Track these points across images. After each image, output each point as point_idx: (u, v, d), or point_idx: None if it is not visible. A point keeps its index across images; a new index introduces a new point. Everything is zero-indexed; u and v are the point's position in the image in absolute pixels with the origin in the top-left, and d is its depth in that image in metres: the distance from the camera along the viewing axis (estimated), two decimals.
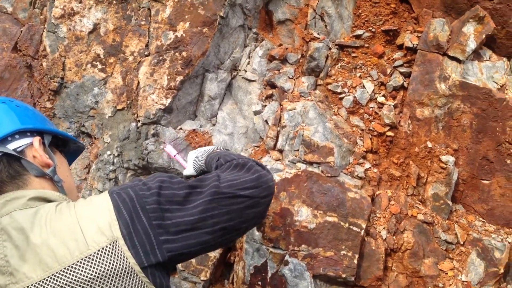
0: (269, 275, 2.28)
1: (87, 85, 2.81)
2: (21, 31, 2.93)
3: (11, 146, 1.29)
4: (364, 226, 2.27)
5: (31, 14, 2.98)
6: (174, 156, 2.45)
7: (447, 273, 2.28)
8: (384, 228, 2.35)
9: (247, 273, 2.31)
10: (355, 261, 2.22)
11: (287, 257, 2.28)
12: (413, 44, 2.62)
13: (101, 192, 2.62)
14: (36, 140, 1.35)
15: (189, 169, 2.10)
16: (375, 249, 2.29)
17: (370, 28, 2.80)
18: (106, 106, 2.79)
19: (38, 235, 1.10)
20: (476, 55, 2.57)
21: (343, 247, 2.25)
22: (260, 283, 2.30)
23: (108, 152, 2.72)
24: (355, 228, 2.27)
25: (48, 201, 1.24)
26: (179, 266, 2.40)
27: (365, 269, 2.28)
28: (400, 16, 2.80)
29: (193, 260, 2.40)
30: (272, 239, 2.30)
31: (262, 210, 1.46)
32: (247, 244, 2.33)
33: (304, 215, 2.30)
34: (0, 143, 1.27)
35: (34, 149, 1.33)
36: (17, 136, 1.32)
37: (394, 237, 2.34)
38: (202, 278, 2.39)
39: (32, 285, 1.07)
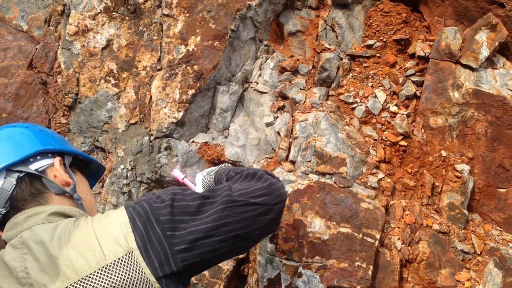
0: (283, 287, 2.26)
1: (101, 100, 2.85)
2: (36, 49, 2.99)
3: (33, 167, 1.38)
4: (378, 236, 2.25)
5: (46, 31, 3.04)
6: (182, 180, 2.46)
7: (464, 284, 2.23)
8: (398, 239, 2.32)
9: (260, 286, 2.30)
10: (370, 273, 2.20)
11: (300, 269, 2.26)
12: (425, 53, 2.61)
13: (115, 206, 2.66)
14: (56, 160, 1.43)
15: (198, 190, 2.11)
16: (390, 260, 2.26)
17: (382, 38, 2.79)
18: (119, 121, 2.82)
19: (57, 247, 1.15)
20: (490, 62, 2.55)
21: (357, 258, 2.23)
22: None
23: (122, 166, 2.74)
24: (369, 239, 2.24)
25: (68, 216, 1.31)
26: (193, 279, 2.40)
27: (380, 280, 2.25)
28: (412, 25, 2.79)
29: (206, 273, 2.39)
30: (285, 251, 2.29)
31: (275, 217, 1.48)
32: (260, 256, 2.32)
33: (317, 226, 2.28)
34: (22, 164, 1.36)
35: (54, 169, 1.42)
36: (38, 157, 1.41)
37: (409, 247, 2.31)
38: None
39: None
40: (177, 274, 1.22)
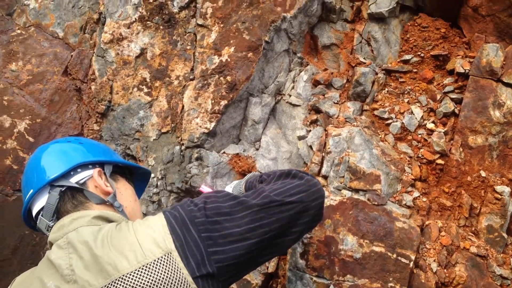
0: None
1: (133, 108, 2.85)
2: (72, 56, 3.01)
3: (74, 179, 1.46)
4: (413, 257, 2.17)
5: (81, 39, 3.06)
6: None
7: None
8: (434, 261, 2.24)
9: None
10: None
11: (331, 287, 2.19)
12: (465, 70, 2.53)
13: (145, 214, 2.64)
14: (95, 171, 1.51)
15: None
16: (425, 283, 2.18)
17: (419, 53, 2.73)
18: (151, 129, 2.81)
19: (100, 247, 1.22)
20: None
21: (390, 279, 2.15)
22: None
23: (152, 175, 2.73)
24: (403, 260, 2.17)
25: (110, 221, 1.38)
26: None
27: None
28: (451, 41, 2.72)
29: (234, 287, 2.35)
30: (316, 268, 2.23)
31: (315, 214, 1.49)
32: (290, 272, 2.26)
33: (349, 244, 2.22)
34: (64, 178, 1.45)
35: (94, 180, 1.49)
36: (79, 170, 1.49)
37: (445, 270, 2.22)
38: None
39: None
40: (213, 276, 1.25)
